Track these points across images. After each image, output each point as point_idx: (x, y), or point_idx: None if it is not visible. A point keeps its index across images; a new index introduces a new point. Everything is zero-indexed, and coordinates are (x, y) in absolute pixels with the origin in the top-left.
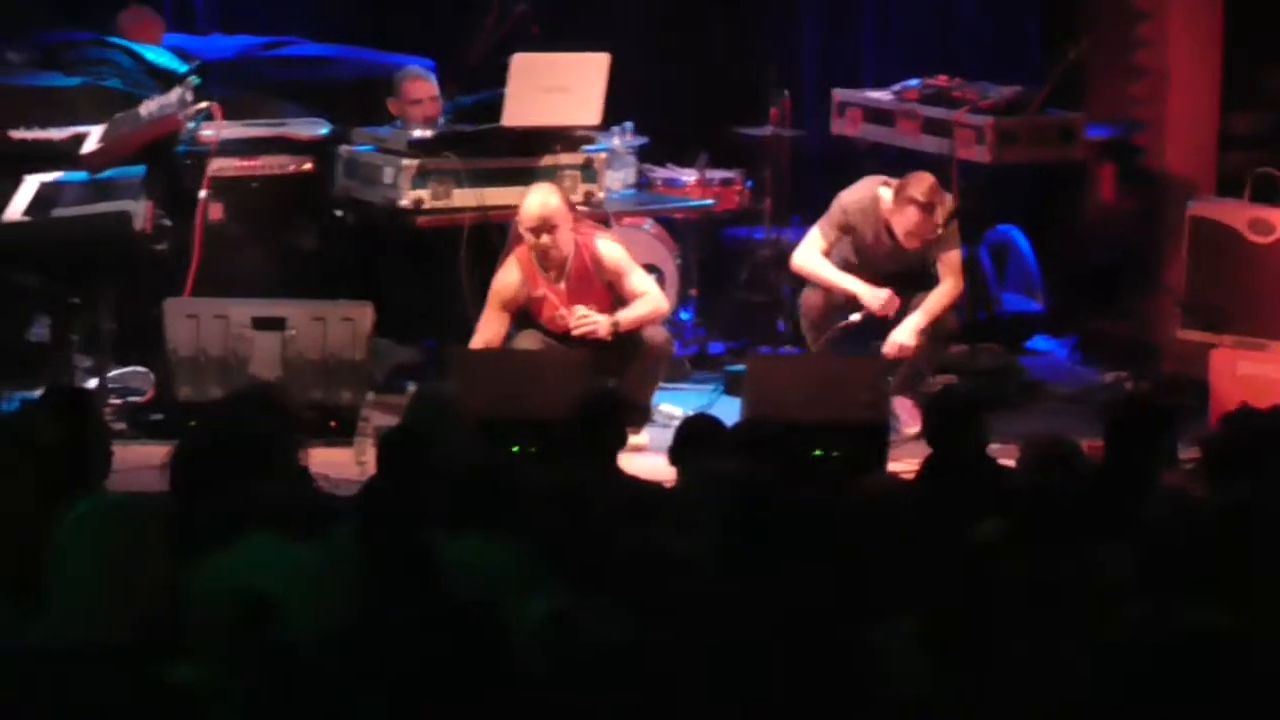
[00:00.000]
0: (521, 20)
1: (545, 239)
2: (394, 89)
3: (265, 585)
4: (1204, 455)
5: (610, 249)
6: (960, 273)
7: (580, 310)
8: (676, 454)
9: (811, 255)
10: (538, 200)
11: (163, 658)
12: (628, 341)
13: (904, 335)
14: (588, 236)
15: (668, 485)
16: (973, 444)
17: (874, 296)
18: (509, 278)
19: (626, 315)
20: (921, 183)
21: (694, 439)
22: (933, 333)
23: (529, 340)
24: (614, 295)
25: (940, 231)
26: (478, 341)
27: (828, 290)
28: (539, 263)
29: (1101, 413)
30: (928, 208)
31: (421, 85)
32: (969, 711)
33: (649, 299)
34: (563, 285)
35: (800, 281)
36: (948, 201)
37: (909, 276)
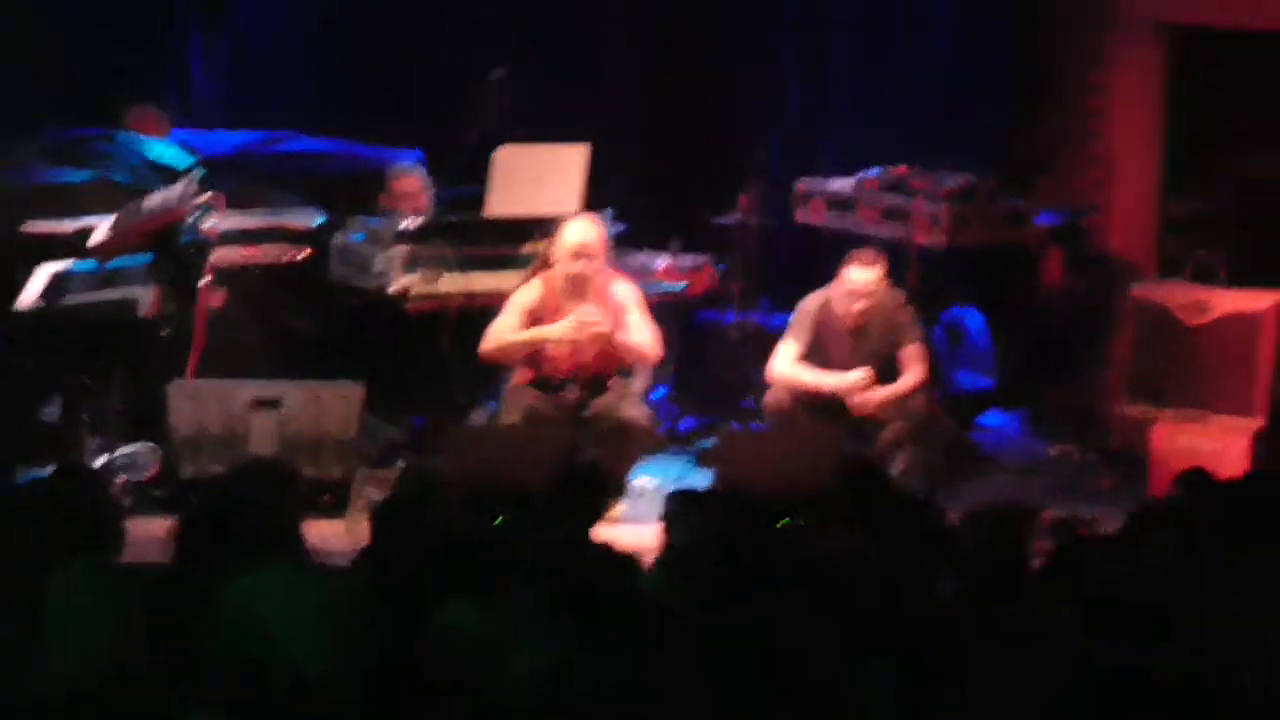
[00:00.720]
0: (506, 112)
1: (582, 265)
2: (384, 185)
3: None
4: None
5: (624, 287)
6: (924, 363)
7: (588, 309)
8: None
9: (786, 364)
10: (581, 229)
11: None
12: (610, 419)
13: (870, 394)
14: (607, 275)
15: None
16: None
17: (849, 383)
18: (530, 293)
19: (623, 338)
20: (859, 251)
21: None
22: (906, 417)
23: (515, 411)
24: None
25: (882, 291)
26: (491, 342)
27: (794, 392)
28: (566, 289)
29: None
30: (865, 262)
31: (409, 181)
32: None
33: (644, 343)
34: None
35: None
36: (883, 264)
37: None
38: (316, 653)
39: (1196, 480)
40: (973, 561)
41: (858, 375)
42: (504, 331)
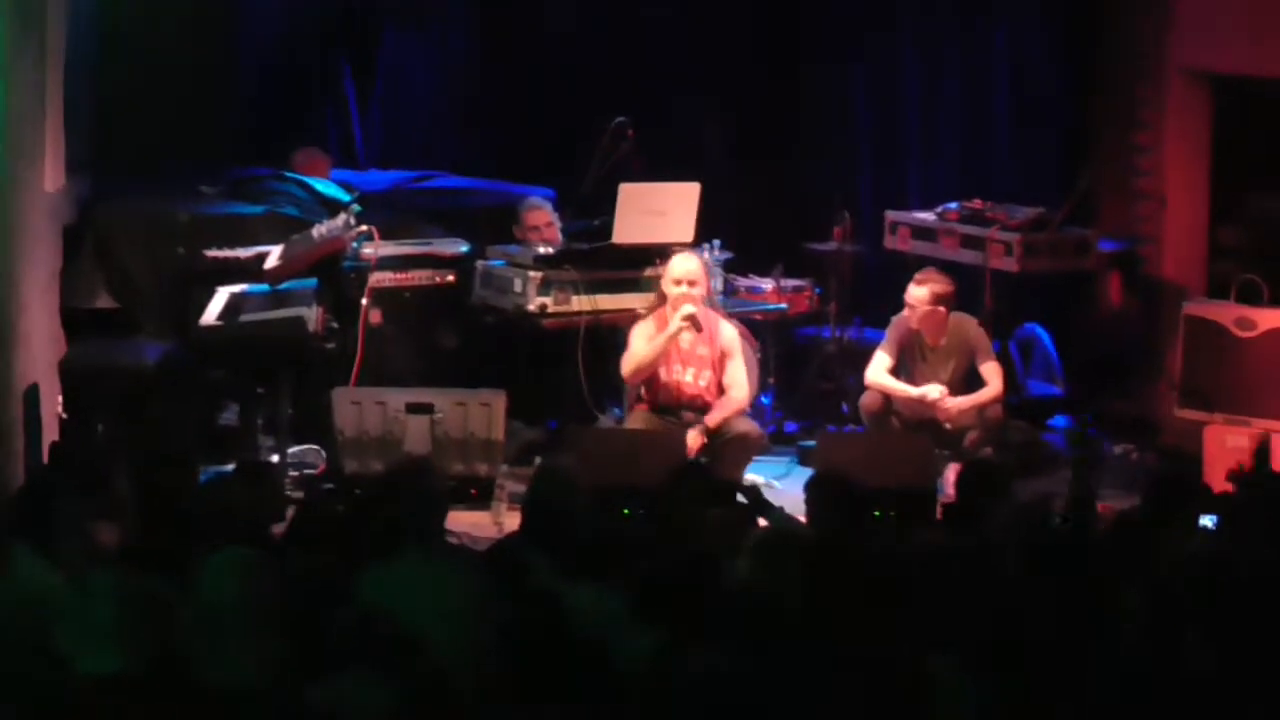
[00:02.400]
0: (625, 155)
1: (689, 289)
2: (517, 218)
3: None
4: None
5: (729, 330)
6: (1000, 377)
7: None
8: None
9: (879, 373)
10: (683, 261)
11: (309, 682)
12: (726, 432)
13: (951, 402)
14: (715, 315)
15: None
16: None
17: (928, 389)
18: (648, 327)
19: (713, 417)
20: (920, 272)
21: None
22: (984, 423)
23: (638, 421)
24: (718, 366)
25: (939, 302)
26: (629, 365)
27: (886, 398)
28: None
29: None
30: (919, 281)
31: (540, 214)
32: None
33: (734, 396)
34: (690, 338)
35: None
36: (937, 281)
37: (955, 392)
38: (449, 632)
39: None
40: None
41: (933, 387)
42: (636, 351)
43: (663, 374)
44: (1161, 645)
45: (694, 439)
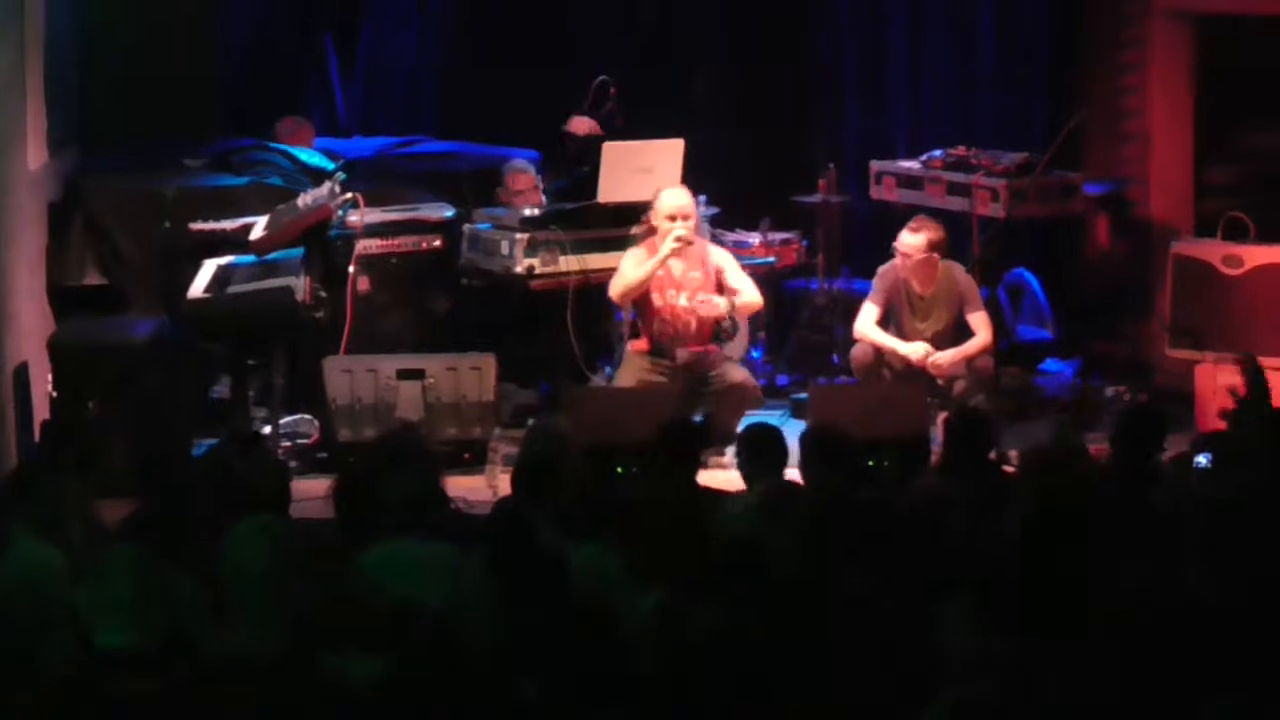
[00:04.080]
0: (609, 114)
1: (681, 224)
2: (501, 181)
3: (419, 583)
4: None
5: (718, 251)
6: (989, 327)
7: (700, 295)
8: (744, 463)
9: (867, 325)
10: (675, 196)
11: (332, 654)
12: (717, 380)
13: (940, 356)
14: (702, 243)
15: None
16: (983, 448)
17: (912, 349)
18: (639, 253)
19: (740, 300)
20: (912, 220)
21: (756, 449)
22: (972, 373)
23: (631, 370)
24: (709, 290)
25: (934, 249)
26: (618, 287)
27: (876, 350)
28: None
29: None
30: (912, 229)
31: (524, 178)
32: (1019, 673)
33: (748, 291)
34: (681, 264)
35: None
36: (931, 229)
37: (944, 341)
38: (455, 605)
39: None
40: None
41: (918, 348)
42: (625, 273)
43: (656, 300)
44: (1161, 581)
45: (722, 308)
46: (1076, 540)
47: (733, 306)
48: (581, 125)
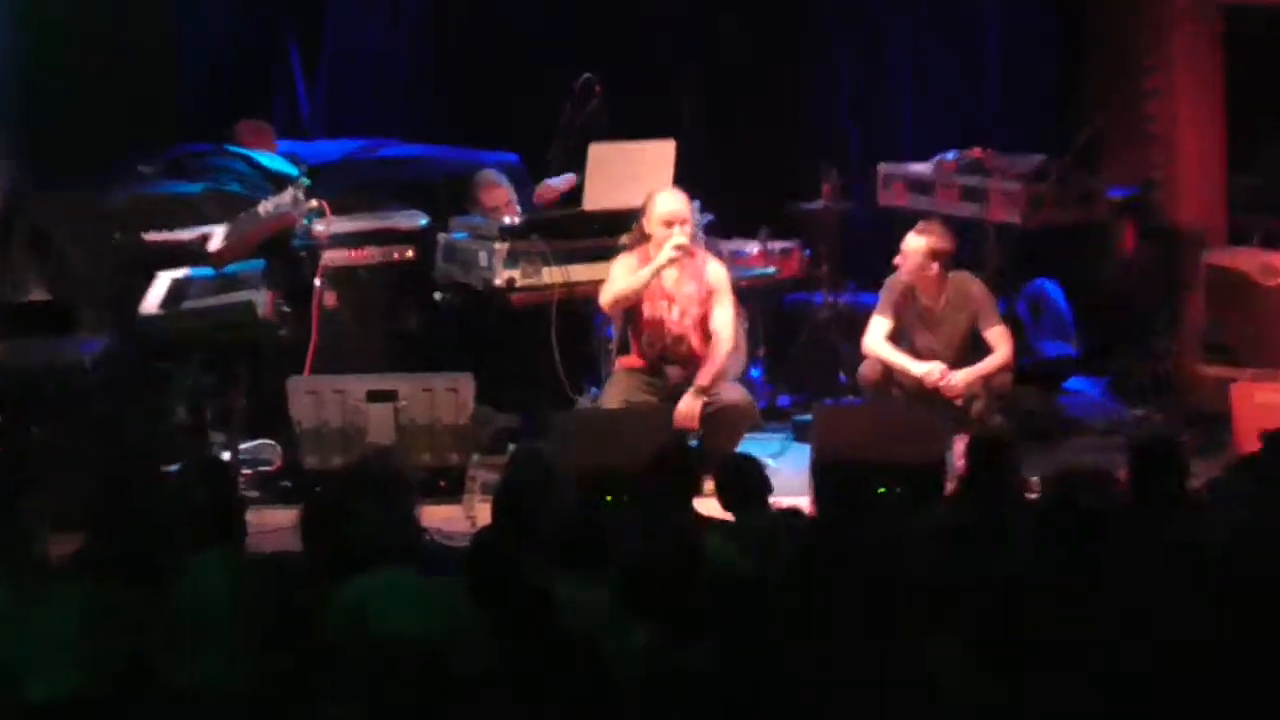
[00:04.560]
0: (594, 113)
1: (677, 230)
2: (473, 196)
3: (395, 618)
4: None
5: (717, 267)
6: (1008, 342)
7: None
8: (726, 498)
9: (877, 340)
10: (669, 199)
11: (305, 699)
12: (712, 403)
13: (955, 377)
14: (702, 254)
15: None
16: (1003, 475)
17: (925, 368)
18: (630, 260)
19: (704, 373)
20: (921, 222)
21: (735, 483)
22: (990, 393)
23: (619, 388)
24: (704, 304)
25: (935, 259)
26: (608, 295)
27: (886, 366)
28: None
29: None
30: (918, 230)
31: (497, 192)
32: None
33: (721, 340)
34: (675, 274)
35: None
36: (937, 234)
37: (959, 357)
38: (437, 642)
39: None
40: (1053, 524)
41: (931, 368)
42: (616, 281)
43: (646, 310)
44: (1172, 622)
45: (689, 408)
46: (1084, 571)
47: (702, 389)
48: (550, 193)
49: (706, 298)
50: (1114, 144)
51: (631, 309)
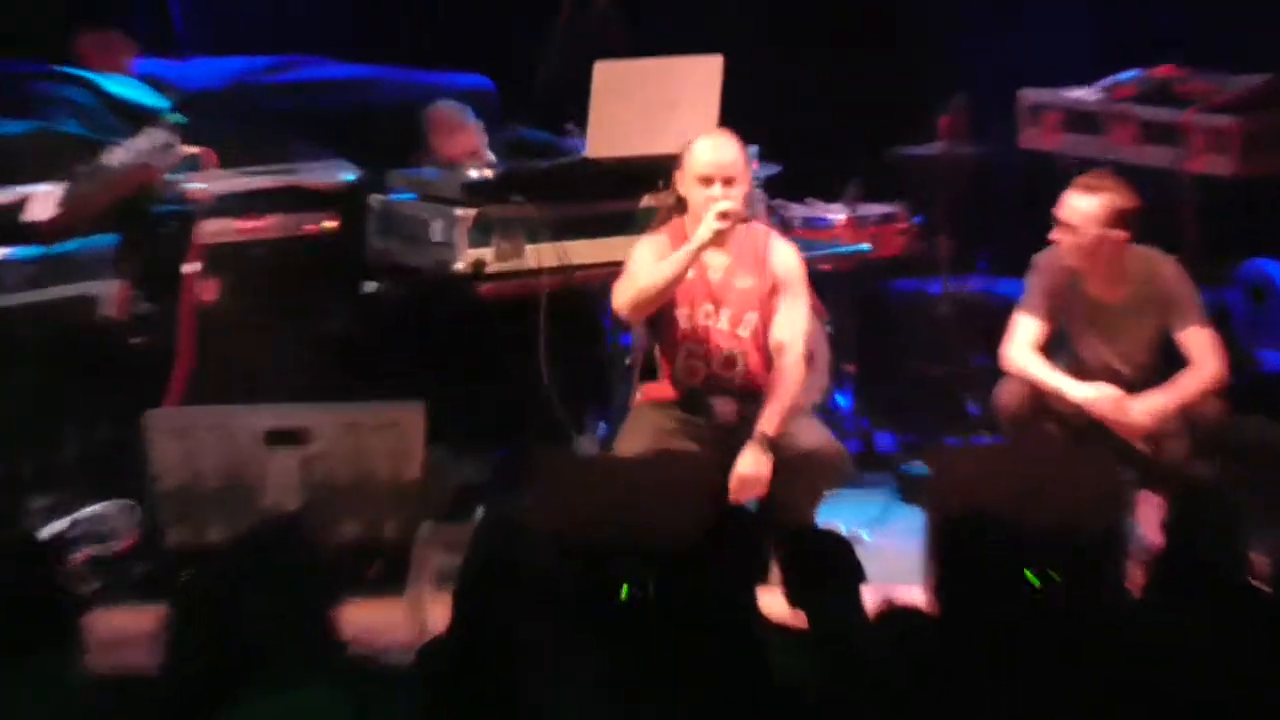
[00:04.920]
0: (601, 17)
1: (720, 191)
2: (419, 138)
3: None
4: None
5: (786, 253)
6: (1215, 352)
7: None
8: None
9: (1023, 350)
10: (717, 144)
11: None
12: (783, 449)
13: (1140, 407)
14: (765, 232)
15: None
16: (1220, 553)
17: (1095, 395)
18: (656, 244)
19: (770, 416)
20: (1087, 175)
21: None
22: (1192, 427)
23: (636, 440)
24: (767, 305)
25: (1118, 223)
26: (625, 295)
27: (1036, 390)
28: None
29: None
30: (1087, 186)
31: (459, 135)
32: None
33: (788, 364)
34: (724, 260)
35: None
36: (1119, 192)
37: (1144, 374)
38: None
39: None
40: None
41: (1103, 392)
42: (639, 272)
43: (682, 315)
44: None
45: (755, 469)
46: None
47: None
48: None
49: (770, 295)
50: None
51: (661, 313)
